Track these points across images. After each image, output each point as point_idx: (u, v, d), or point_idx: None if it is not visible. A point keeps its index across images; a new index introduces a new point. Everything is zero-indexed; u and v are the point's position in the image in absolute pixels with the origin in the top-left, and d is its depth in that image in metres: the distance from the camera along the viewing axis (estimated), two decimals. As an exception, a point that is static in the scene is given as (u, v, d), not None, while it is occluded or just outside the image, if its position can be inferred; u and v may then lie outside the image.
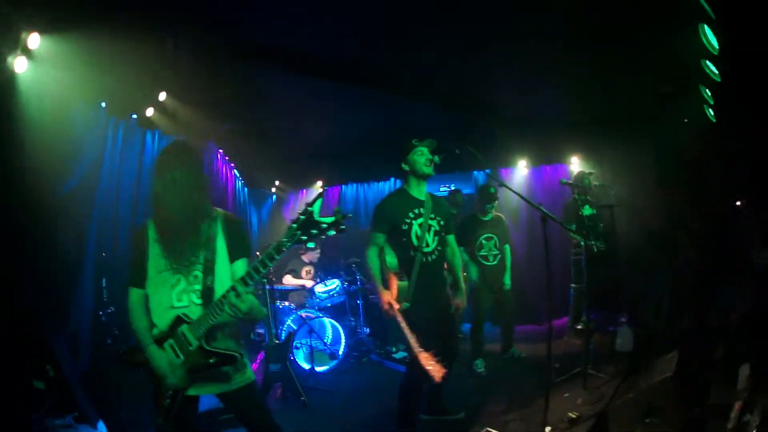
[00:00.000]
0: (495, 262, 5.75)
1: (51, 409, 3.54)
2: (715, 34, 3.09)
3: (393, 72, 6.06)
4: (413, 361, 3.47)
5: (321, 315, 6.37)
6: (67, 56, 3.53)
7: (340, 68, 5.81)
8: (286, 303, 6.74)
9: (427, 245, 3.62)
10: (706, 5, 2.77)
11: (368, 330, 7.21)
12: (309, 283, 7.00)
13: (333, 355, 6.22)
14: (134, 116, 4.94)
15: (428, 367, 3.34)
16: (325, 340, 6.23)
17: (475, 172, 8.52)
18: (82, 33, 3.53)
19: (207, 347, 2.41)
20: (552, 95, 6.24)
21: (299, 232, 2.13)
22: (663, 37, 3.79)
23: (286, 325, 6.27)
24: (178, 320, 2.42)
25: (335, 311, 6.93)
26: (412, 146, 3.63)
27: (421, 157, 3.60)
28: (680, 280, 5.05)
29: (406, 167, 3.70)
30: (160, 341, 2.45)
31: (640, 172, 5.71)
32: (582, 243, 5.13)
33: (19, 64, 3.27)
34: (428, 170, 3.60)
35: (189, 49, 4.78)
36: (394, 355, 6.54)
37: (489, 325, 8.25)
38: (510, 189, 4.08)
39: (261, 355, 5.79)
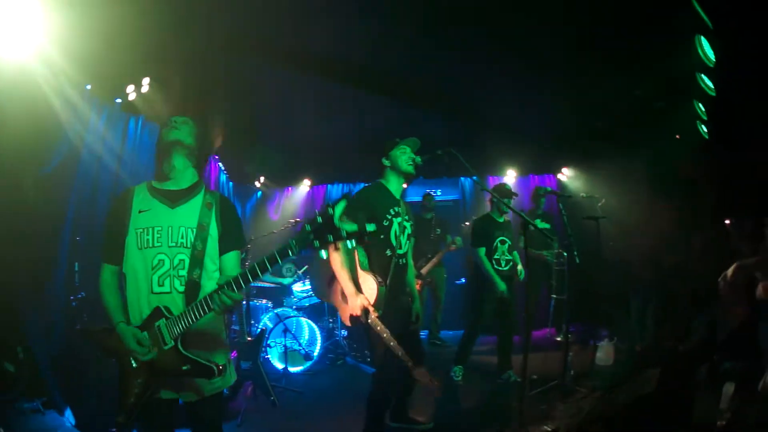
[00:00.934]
0: (506, 268, 5.19)
1: (21, 392, 3.46)
2: (712, 46, 3.03)
3: (385, 74, 6.01)
4: (382, 368, 3.36)
5: (298, 314, 6.22)
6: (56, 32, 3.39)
7: (331, 67, 5.74)
8: (263, 300, 6.58)
9: (401, 247, 3.44)
10: (703, 14, 2.70)
11: (345, 332, 7.06)
12: (287, 281, 6.84)
13: (308, 356, 6.07)
14: (118, 100, 4.78)
15: (424, 381, 3.30)
16: (301, 341, 6.08)
17: (462, 178, 8.45)
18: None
19: (183, 351, 2.15)
20: (544, 106, 6.21)
21: (312, 236, 1.81)
22: (658, 50, 3.73)
23: (262, 323, 6.12)
24: (157, 313, 2.16)
25: (313, 311, 6.80)
26: (395, 143, 3.50)
27: (404, 154, 3.44)
28: (665, 296, 5.00)
29: (387, 163, 3.50)
30: None
31: (630, 185, 5.67)
32: (565, 254, 5.05)
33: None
34: (409, 168, 3.41)
35: (176, 38, 4.69)
36: (370, 359, 6.39)
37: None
38: (493, 195, 4.01)
39: (234, 353, 5.64)
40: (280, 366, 5.82)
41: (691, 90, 3.69)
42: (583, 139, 6.53)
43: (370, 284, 3.20)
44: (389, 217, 3.37)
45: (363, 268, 3.27)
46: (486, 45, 5.08)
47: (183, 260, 2.21)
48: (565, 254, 5.11)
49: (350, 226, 1.80)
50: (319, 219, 1.80)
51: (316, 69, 5.76)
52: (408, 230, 3.52)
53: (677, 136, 4.61)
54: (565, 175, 7.99)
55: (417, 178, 3.60)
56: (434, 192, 7.45)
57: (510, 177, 8.24)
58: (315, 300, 6.78)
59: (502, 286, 4.97)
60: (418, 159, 3.45)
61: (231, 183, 8.48)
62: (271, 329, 5.95)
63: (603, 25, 3.77)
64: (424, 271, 6.64)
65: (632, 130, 5.40)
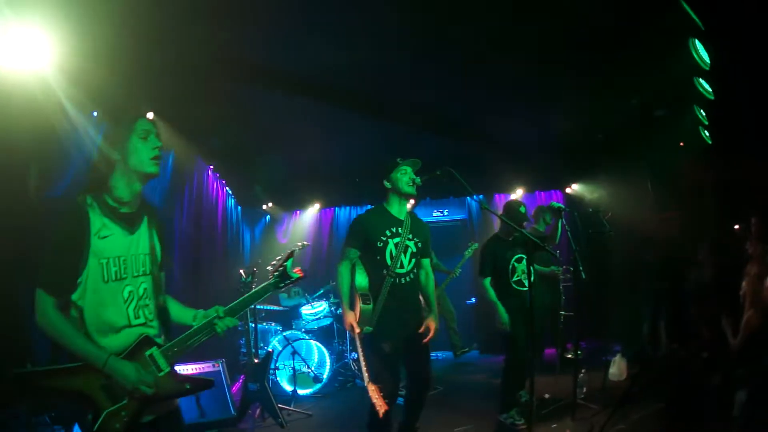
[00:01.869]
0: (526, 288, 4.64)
1: (29, 406, 3.47)
2: (706, 48, 3.04)
3: (390, 97, 6.09)
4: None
5: (307, 337, 6.21)
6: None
7: (336, 91, 5.84)
8: (272, 324, 6.59)
9: (402, 266, 3.45)
10: (694, 15, 2.72)
11: (355, 355, 7.01)
12: (296, 305, 6.86)
13: (317, 379, 6.03)
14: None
15: (373, 400, 3.19)
16: (310, 363, 6.05)
17: (469, 198, 8.46)
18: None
19: (180, 373, 2.12)
20: (547, 121, 6.25)
21: (277, 281, 2.41)
22: (654, 58, 3.76)
23: (271, 346, 6.11)
24: (146, 341, 2.03)
25: (323, 334, 6.77)
26: (396, 164, 3.54)
27: (404, 176, 3.49)
28: (676, 308, 4.91)
29: (388, 185, 3.57)
30: None
31: (636, 197, 5.64)
32: (560, 268, 4.99)
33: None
34: (410, 189, 3.48)
35: (180, 65, 4.82)
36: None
37: (477, 354, 8.19)
38: (496, 214, 4.01)
39: (243, 376, 5.63)
40: (289, 388, 5.77)
41: (689, 95, 3.69)
42: (587, 153, 6.52)
43: (358, 303, 3.40)
44: (384, 238, 3.43)
45: (360, 290, 3.39)
46: (488, 63, 5.14)
47: (146, 288, 2.11)
48: (571, 269, 5.04)
49: (295, 275, 2.40)
50: (279, 272, 2.42)
51: (321, 93, 5.86)
52: (412, 248, 3.51)
53: (681, 144, 4.59)
54: (573, 189, 7.96)
55: (424, 198, 3.62)
56: (442, 212, 7.49)
57: (517, 194, 8.23)
58: (324, 323, 6.76)
59: (504, 318, 4.46)
60: (418, 180, 3.49)
61: (239, 207, 8.58)
62: (280, 351, 5.93)
63: (598, 35, 3.81)
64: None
65: (635, 140, 5.39)
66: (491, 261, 4.63)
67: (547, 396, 4.95)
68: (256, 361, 5.04)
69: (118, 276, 2.01)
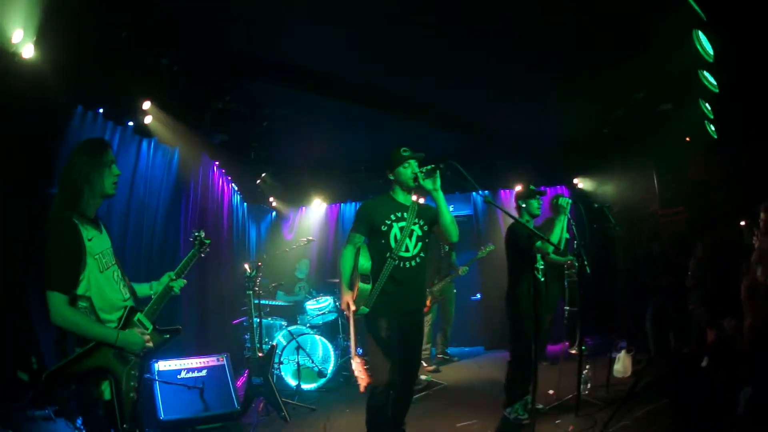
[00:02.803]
0: (543, 279, 4.54)
1: (32, 400, 3.56)
2: (709, 39, 3.00)
3: (395, 92, 6.09)
4: (371, 372, 3.38)
5: (311, 332, 6.23)
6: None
7: (341, 86, 5.84)
8: (278, 318, 6.62)
9: (407, 250, 3.47)
10: (696, 7, 2.68)
11: (361, 350, 7.02)
12: (300, 299, 6.89)
13: (321, 373, 6.05)
14: (130, 123, 4.92)
15: (356, 374, 3.33)
16: (315, 358, 6.07)
17: (474, 194, 8.43)
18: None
19: (159, 327, 2.70)
20: (551, 115, 6.21)
21: (198, 246, 3.18)
22: (658, 50, 3.71)
23: (276, 340, 6.13)
24: (132, 310, 2.57)
25: (328, 329, 6.78)
26: (401, 158, 3.55)
27: (407, 169, 3.53)
28: (681, 304, 4.87)
29: (392, 177, 3.62)
30: None
31: (642, 192, 5.58)
32: (576, 264, 4.92)
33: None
34: (413, 184, 3.52)
35: (185, 61, 4.84)
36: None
37: (483, 349, 8.18)
38: (501, 208, 3.98)
39: (247, 370, 5.67)
40: (293, 383, 5.80)
41: (694, 88, 3.64)
42: (592, 147, 6.47)
43: (358, 283, 3.42)
44: (388, 222, 3.48)
45: (362, 272, 3.39)
46: (491, 58, 5.12)
47: (118, 273, 2.63)
48: (576, 264, 4.98)
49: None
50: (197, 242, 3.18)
51: (327, 89, 5.87)
52: (418, 232, 3.52)
53: (687, 139, 4.53)
54: (578, 184, 7.89)
55: (428, 194, 3.60)
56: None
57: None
58: (329, 318, 6.77)
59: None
60: (421, 175, 3.48)
61: (245, 204, 8.60)
62: (285, 346, 5.96)
63: (602, 28, 3.78)
64: (436, 289, 6.64)
65: (640, 134, 5.33)
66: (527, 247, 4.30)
67: (551, 392, 4.93)
68: (260, 355, 5.07)
69: (107, 266, 2.54)
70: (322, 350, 6.23)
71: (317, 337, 6.23)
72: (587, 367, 4.98)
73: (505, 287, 4.53)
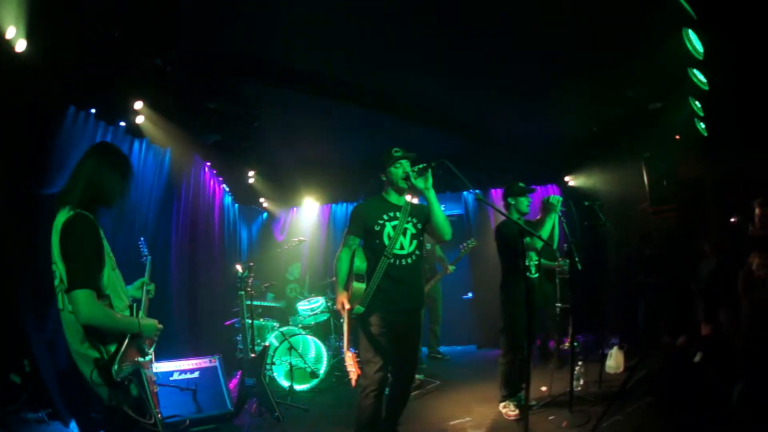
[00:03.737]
0: (536, 275, 4.72)
1: (26, 403, 3.54)
2: (699, 37, 3.03)
3: (388, 93, 6.09)
4: (362, 371, 3.38)
5: (304, 332, 6.21)
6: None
7: (334, 87, 5.83)
8: (270, 319, 6.58)
9: (402, 248, 3.47)
10: (686, 5, 2.71)
11: (353, 350, 7.00)
12: (292, 300, 6.87)
13: (314, 374, 6.03)
14: (122, 124, 4.88)
15: (348, 369, 3.35)
16: (307, 359, 6.05)
17: (465, 193, 8.45)
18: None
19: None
20: (542, 115, 6.25)
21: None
22: (648, 48, 3.74)
23: (268, 341, 6.11)
24: (133, 310, 2.65)
25: (320, 329, 6.76)
26: (393, 158, 3.55)
27: (398, 169, 3.53)
28: (672, 300, 4.91)
29: (384, 178, 3.63)
30: None
31: (632, 190, 5.63)
32: (567, 261, 4.95)
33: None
34: (404, 185, 3.52)
35: (178, 62, 4.81)
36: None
37: (475, 348, 8.20)
38: (492, 206, 3.99)
39: (240, 372, 5.64)
40: (286, 384, 5.77)
41: (684, 86, 3.67)
42: (583, 146, 6.52)
43: (353, 282, 3.41)
44: (381, 222, 3.48)
45: (356, 270, 3.40)
46: (482, 58, 5.14)
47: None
48: (567, 261, 5.02)
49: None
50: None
51: (320, 90, 5.86)
52: (411, 230, 3.53)
53: (677, 137, 4.57)
54: (569, 182, 7.94)
55: (420, 194, 3.61)
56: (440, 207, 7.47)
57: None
58: (321, 318, 6.75)
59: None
60: (413, 174, 3.49)
61: (237, 205, 8.56)
62: (277, 347, 5.93)
63: (591, 27, 3.80)
64: (426, 289, 6.66)
65: (630, 132, 5.38)
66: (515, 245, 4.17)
67: (543, 388, 4.96)
68: (252, 356, 5.05)
69: (115, 263, 2.59)
70: (314, 351, 6.20)
71: (309, 337, 6.20)
72: (580, 363, 5.02)
73: (497, 286, 4.57)
